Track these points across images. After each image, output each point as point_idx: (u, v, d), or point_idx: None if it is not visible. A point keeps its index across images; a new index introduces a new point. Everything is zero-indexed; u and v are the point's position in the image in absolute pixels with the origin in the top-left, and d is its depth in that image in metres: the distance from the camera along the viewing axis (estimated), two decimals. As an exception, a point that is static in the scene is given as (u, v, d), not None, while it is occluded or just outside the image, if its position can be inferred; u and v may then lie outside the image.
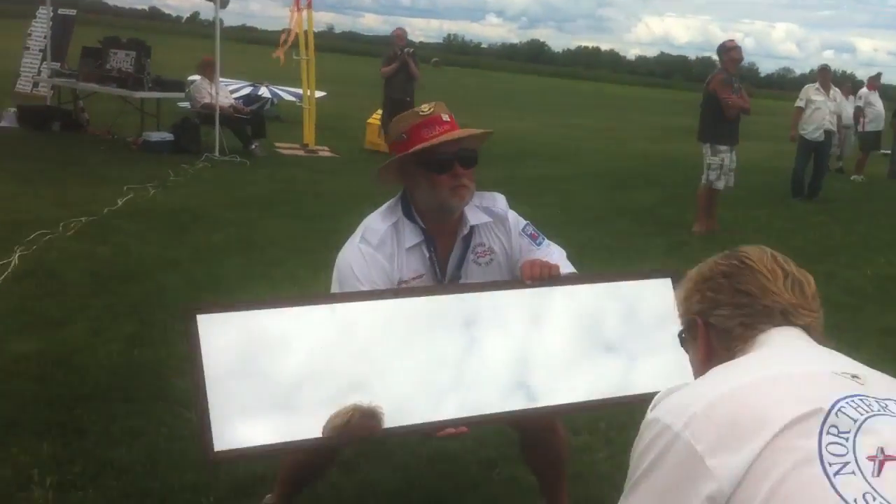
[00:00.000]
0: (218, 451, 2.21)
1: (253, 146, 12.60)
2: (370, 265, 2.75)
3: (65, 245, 6.76)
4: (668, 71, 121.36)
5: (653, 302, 2.80)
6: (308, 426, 2.34)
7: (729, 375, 1.46)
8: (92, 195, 8.65)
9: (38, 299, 5.46)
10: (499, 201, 2.99)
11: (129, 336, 4.97)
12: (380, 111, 13.85)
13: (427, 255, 2.87)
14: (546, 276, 2.72)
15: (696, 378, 1.61)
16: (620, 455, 3.94)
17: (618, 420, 4.32)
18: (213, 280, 6.19)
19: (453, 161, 2.77)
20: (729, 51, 9.31)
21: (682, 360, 2.72)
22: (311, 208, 9.19)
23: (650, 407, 1.47)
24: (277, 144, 13.70)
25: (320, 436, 2.36)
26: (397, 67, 13.06)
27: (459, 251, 2.91)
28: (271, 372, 2.34)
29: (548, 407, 2.65)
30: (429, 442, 3.94)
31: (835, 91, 12.61)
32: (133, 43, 12.84)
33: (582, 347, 2.72)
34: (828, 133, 12.21)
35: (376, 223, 2.86)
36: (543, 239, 2.99)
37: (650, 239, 8.89)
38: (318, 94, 15.47)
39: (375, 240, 2.81)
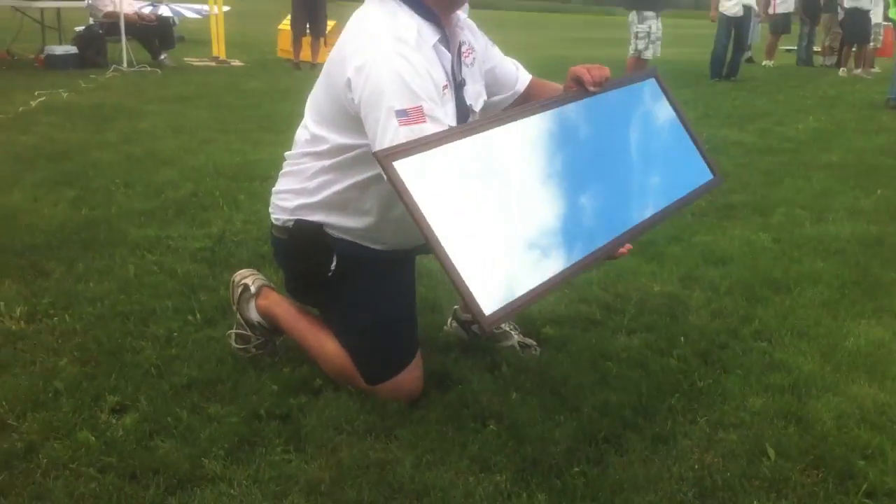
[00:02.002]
0: (490, 314, 1.86)
1: (162, 57, 12.09)
2: (420, 73, 2.24)
3: (-19, 137, 6.35)
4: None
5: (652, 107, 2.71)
6: (553, 261, 2.08)
7: None
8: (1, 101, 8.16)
9: (-36, 177, 5.12)
10: None
11: (72, 199, 4.70)
12: (289, 17, 13.35)
13: (449, 56, 2.44)
14: (604, 80, 2.49)
15: None
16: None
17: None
18: (151, 154, 5.91)
19: None
20: None
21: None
22: (233, 101, 8.86)
23: None
24: (186, 58, 13.19)
25: (569, 266, 2.10)
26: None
27: (457, 51, 2.53)
28: (493, 207, 2.02)
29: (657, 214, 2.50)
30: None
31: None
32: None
33: (642, 155, 2.56)
34: (746, 8, 12.28)
35: (404, 17, 2.33)
36: None
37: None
38: (224, 8, 14.93)
39: (412, 37, 2.30)
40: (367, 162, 2.31)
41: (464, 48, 2.56)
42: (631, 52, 9.38)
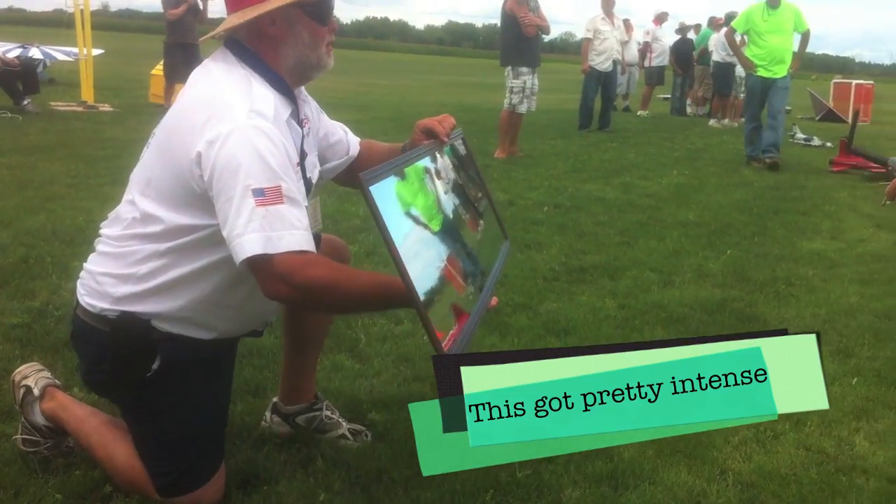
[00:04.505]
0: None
1: (25, 102, 11.62)
2: (280, 150, 2.09)
3: None
4: (456, 39, 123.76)
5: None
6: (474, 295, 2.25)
7: None
8: None
9: None
10: None
11: None
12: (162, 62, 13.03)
13: (300, 132, 2.32)
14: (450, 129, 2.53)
15: None
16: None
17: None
18: (-15, 216, 5.59)
19: (332, 10, 2.31)
20: None
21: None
22: (92, 152, 8.54)
23: None
24: (53, 103, 12.75)
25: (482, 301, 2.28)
26: (186, 9, 12.14)
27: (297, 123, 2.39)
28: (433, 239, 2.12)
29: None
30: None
31: (619, 20, 12.92)
32: None
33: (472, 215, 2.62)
34: (614, 62, 12.58)
35: (259, 88, 2.17)
36: None
37: (453, 166, 8.82)
38: (96, 51, 14.55)
39: (270, 110, 2.13)
40: (212, 245, 2.13)
41: (301, 118, 2.44)
42: (506, 105, 9.45)
